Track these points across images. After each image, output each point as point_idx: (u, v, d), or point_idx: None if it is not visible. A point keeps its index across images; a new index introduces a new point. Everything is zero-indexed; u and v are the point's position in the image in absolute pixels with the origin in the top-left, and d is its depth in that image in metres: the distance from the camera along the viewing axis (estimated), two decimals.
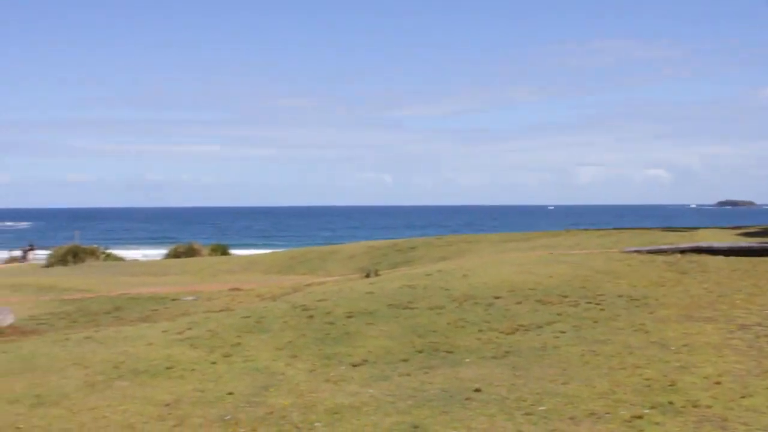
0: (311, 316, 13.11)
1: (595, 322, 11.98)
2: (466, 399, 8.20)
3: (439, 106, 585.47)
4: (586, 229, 36.83)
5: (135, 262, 49.85)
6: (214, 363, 10.42)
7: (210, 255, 48.23)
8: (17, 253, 62.88)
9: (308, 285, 22.14)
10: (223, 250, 50.87)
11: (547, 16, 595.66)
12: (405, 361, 10.25)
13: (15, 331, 18.53)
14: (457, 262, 21.01)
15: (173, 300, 23.46)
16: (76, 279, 34.68)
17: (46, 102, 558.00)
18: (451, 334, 11.57)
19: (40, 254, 58.22)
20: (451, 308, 13.15)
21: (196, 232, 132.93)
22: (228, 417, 7.90)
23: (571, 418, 7.40)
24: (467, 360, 10.15)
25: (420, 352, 10.72)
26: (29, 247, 63.18)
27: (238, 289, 24.78)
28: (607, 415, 7.48)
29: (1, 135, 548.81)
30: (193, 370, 10.06)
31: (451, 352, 10.60)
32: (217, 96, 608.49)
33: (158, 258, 53.77)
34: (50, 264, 47.28)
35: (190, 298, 23.47)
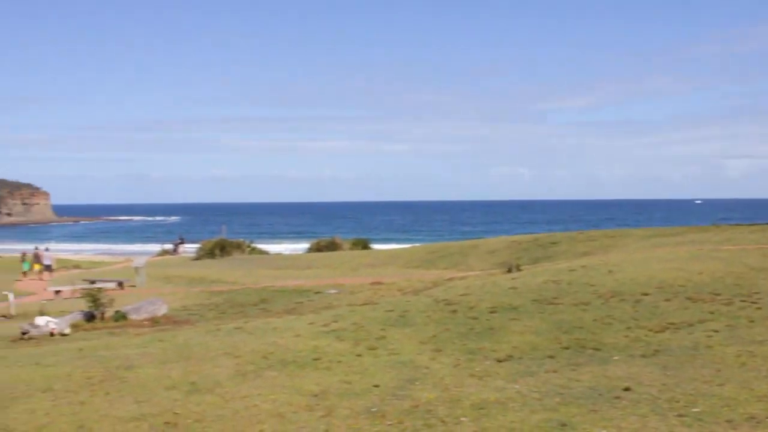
0: (454, 311, 13.10)
1: (751, 321, 11.45)
2: (616, 398, 7.97)
3: (580, 98, 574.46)
4: (737, 224, 35.32)
5: (279, 256, 51.18)
6: (359, 355, 10.55)
7: (351, 249, 48.96)
8: (168, 246, 65.60)
9: (449, 279, 22.17)
10: (363, 245, 51.54)
11: (692, 3, 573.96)
12: (551, 357, 10.09)
13: (168, 321, 19.41)
14: (601, 258, 20.56)
15: (317, 293, 23.97)
16: (223, 271, 35.93)
17: (193, 101, 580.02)
18: (598, 330, 11.32)
19: (190, 247, 60.58)
20: (597, 304, 12.87)
21: (337, 226, 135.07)
22: (374, 409, 7.96)
23: (729, 422, 7.07)
24: (615, 358, 9.89)
25: (566, 348, 10.53)
26: (179, 241, 65.86)
27: (379, 283, 25.09)
28: None
29: (151, 133, 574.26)
30: (339, 361, 10.21)
31: (598, 350, 10.36)
32: (357, 93, 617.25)
33: (301, 252, 55.02)
34: (199, 257, 49.20)
35: (333, 291, 23.92)
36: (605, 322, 11.76)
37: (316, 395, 8.58)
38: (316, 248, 51.09)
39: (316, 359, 10.36)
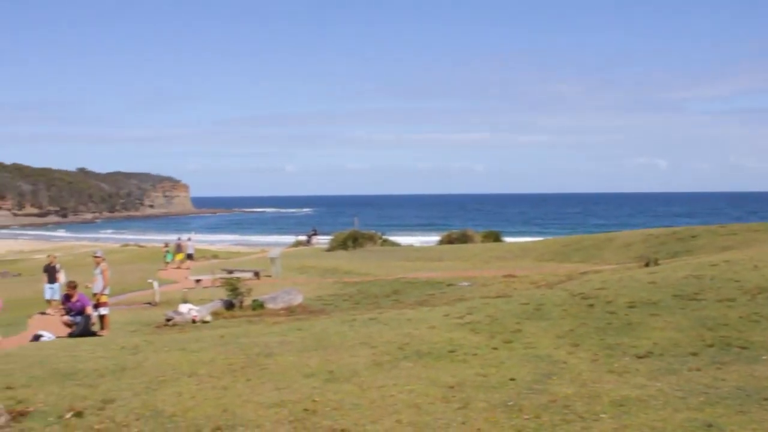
0: (591, 305, 12.84)
1: None
2: (765, 399, 7.61)
3: (723, 86, 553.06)
4: None
5: (410, 248, 51.43)
6: (495, 348, 10.47)
7: (483, 242, 48.76)
8: (302, 237, 67.08)
9: (584, 273, 21.73)
10: (495, 237, 51.29)
11: None
12: (694, 355, 9.74)
13: (303, 310, 19.78)
14: (745, 252, 19.70)
15: (449, 285, 23.93)
16: (355, 263, 36.38)
17: (326, 95, 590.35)
18: (745, 328, 10.83)
19: (323, 239, 61.75)
20: (742, 301, 12.33)
21: (469, 218, 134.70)
22: (511, 403, 7.88)
23: None
24: (764, 357, 9.44)
25: (710, 346, 10.13)
26: (312, 232, 67.26)
27: (512, 276, 24.83)
28: None
29: (285, 128, 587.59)
30: (474, 354, 10.17)
31: (745, 348, 9.92)
32: (487, 84, 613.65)
33: (432, 244, 55.15)
34: (332, 248, 50.04)
35: (465, 283, 23.83)
36: (752, 319, 11.25)
37: (452, 387, 8.57)
38: (448, 240, 51.14)
39: (451, 351, 10.35)
